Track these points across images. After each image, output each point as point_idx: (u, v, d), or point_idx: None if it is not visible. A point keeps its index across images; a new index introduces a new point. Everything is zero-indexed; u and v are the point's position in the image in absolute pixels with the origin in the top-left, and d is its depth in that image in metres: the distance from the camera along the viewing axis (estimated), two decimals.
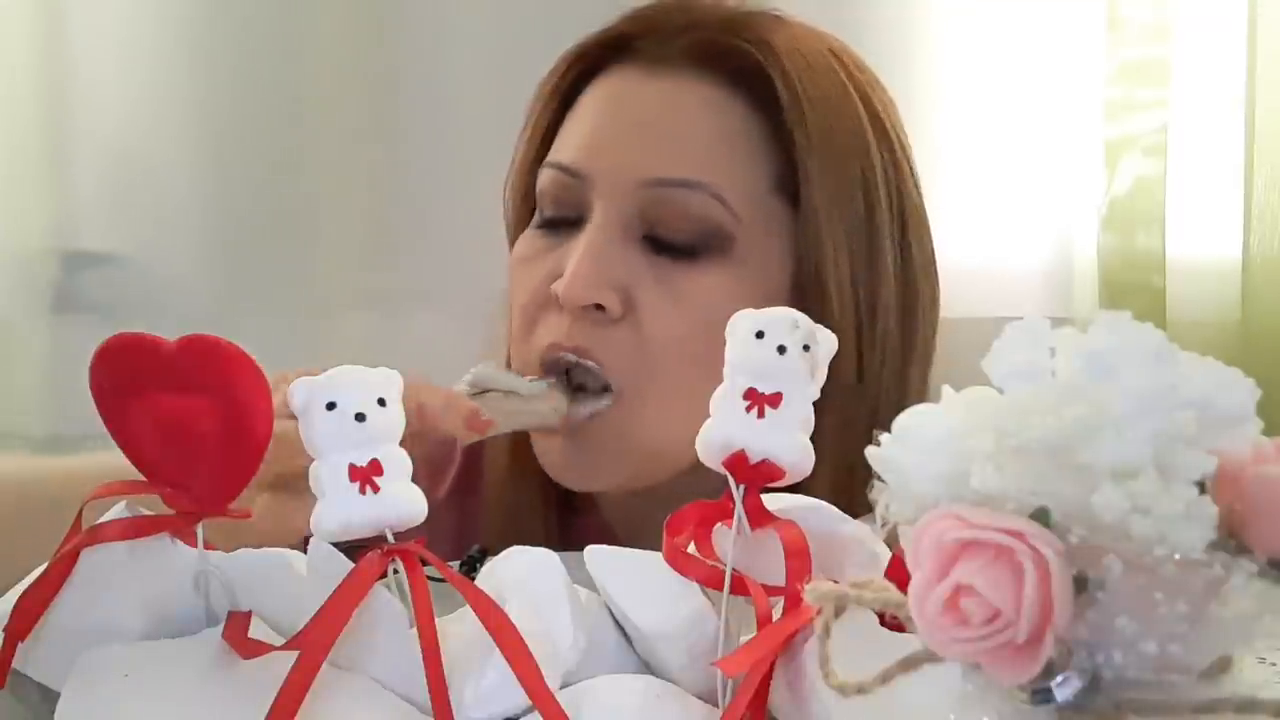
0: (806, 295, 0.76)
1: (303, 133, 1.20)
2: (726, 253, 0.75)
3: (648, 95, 0.77)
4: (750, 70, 0.76)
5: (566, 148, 0.78)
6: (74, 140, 1.18)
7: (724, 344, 0.74)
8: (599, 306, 0.74)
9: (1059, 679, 0.35)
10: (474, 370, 0.75)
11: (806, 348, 0.48)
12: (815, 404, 0.73)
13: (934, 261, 0.82)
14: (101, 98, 1.18)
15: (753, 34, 0.77)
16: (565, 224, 0.78)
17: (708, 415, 0.74)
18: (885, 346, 0.77)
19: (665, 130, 0.76)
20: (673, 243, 0.75)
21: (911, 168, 0.81)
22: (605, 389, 0.75)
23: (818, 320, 0.74)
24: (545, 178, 0.79)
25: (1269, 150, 1.17)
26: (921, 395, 0.80)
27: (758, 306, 0.74)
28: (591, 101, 0.79)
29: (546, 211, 0.79)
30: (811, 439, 0.74)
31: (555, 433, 0.77)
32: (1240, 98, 1.18)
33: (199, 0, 1.19)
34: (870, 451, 0.39)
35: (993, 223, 1.23)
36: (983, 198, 1.21)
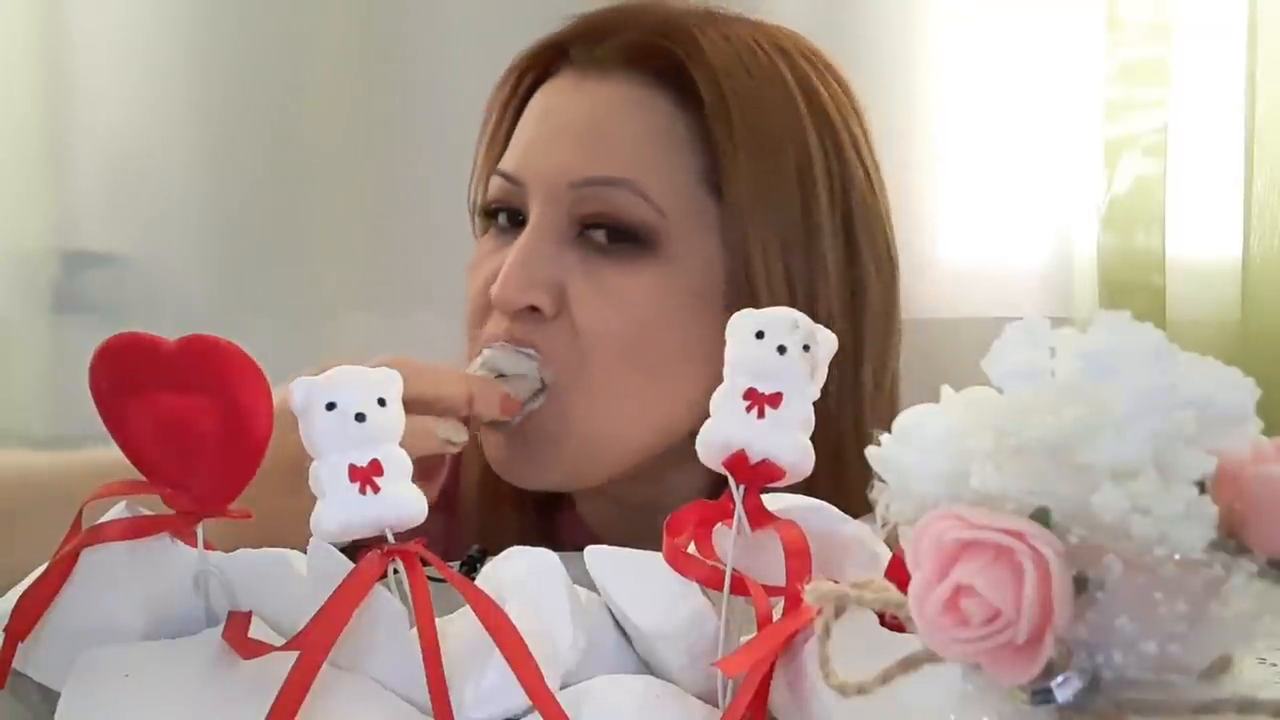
0: (737, 292, 0.76)
1: (303, 133, 1.20)
2: (655, 249, 0.76)
3: (579, 99, 0.79)
4: (675, 69, 0.77)
5: (508, 155, 0.80)
6: (74, 140, 1.18)
7: (656, 342, 0.76)
8: (533, 308, 0.75)
9: (1059, 679, 0.35)
10: (484, 355, 0.75)
11: (806, 348, 0.48)
12: None
13: (890, 256, 0.81)
14: (101, 98, 1.18)
15: (681, 33, 0.78)
16: (509, 229, 0.79)
17: (640, 413, 0.76)
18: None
19: (591, 131, 0.77)
20: (603, 241, 0.76)
21: (865, 162, 0.80)
22: (537, 393, 0.76)
23: None
24: (492, 185, 0.81)
25: (1269, 150, 1.17)
26: (881, 396, 0.79)
27: (688, 303, 0.77)
28: (530, 109, 0.81)
29: (493, 217, 0.81)
30: None
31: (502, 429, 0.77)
32: (1240, 98, 1.18)
33: (199, 0, 1.19)
34: (870, 451, 0.39)
35: (993, 223, 1.23)
36: (983, 198, 1.22)
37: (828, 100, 0.79)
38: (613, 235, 0.76)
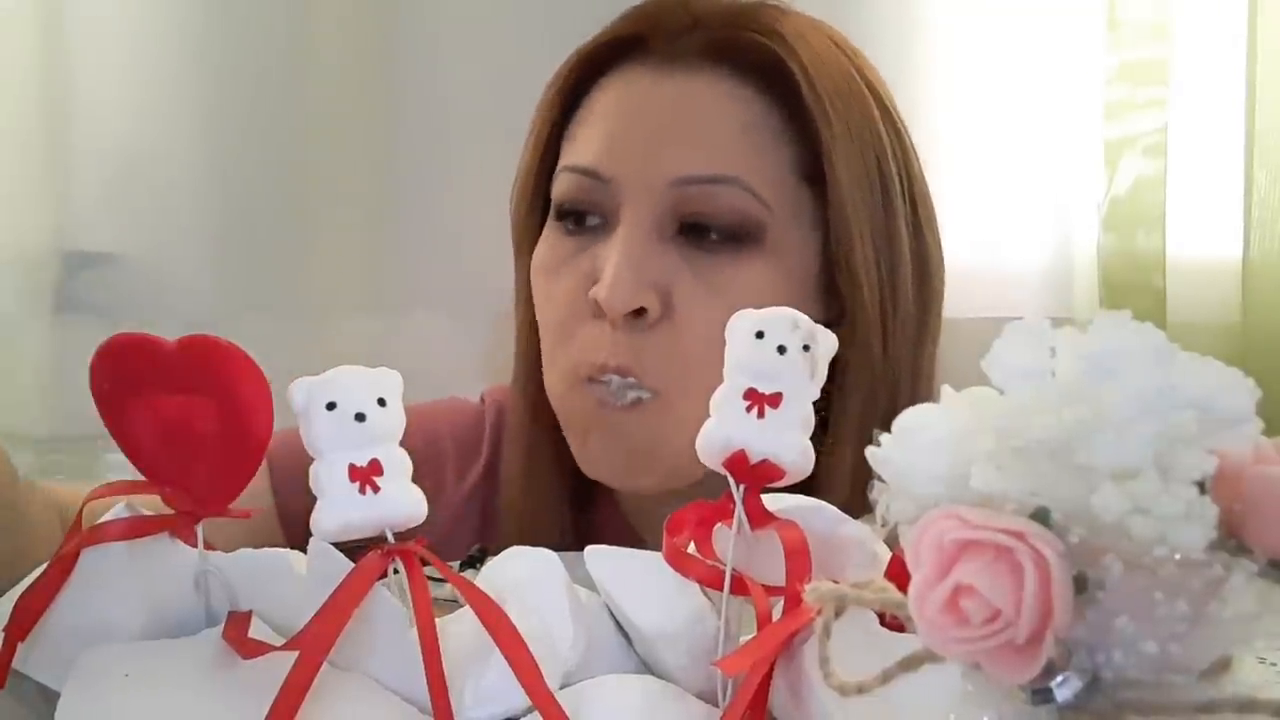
0: (836, 280, 0.77)
1: (303, 133, 1.20)
2: (760, 243, 0.76)
3: (665, 93, 0.77)
4: (765, 62, 0.77)
5: (585, 151, 0.78)
6: (74, 141, 1.18)
7: None
8: (639, 310, 0.74)
9: (1059, 679, 0.34)
10: None
11: (806, 348, 0.48)
12: (842, 384, 0.74)
13: (940, 240, 0.83)
14: (102, 98, 1.18)
15: (763, 26, 0.78)
16: (589, 228, 0.77)
17: None
18: (906, 326, 0.79)
19: (688, 127, 0.76)
20: (708, 239, 0.75)
21: (915, 150, 0.82)
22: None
23: (848, 304, 0.76)
24: (566, 182, 0.78)
25: (1269, 150, 1.17)
26: (931, 375, 0.81)
27: (792, 293, 0.77)
28: (605, 103, 0.79)
29: (568, 217, 0.78)
30: (838, 417, 0.75)
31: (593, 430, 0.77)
32: (1240, 98, 1.18)
33: (199, 1, 1.19)
34: (870, 451, 0.39)
35: (993, 223, 1.23)
36: (983, 198, 1.22)
37: (879, 87, 0.80)
38: (717, 232, 0.75)
